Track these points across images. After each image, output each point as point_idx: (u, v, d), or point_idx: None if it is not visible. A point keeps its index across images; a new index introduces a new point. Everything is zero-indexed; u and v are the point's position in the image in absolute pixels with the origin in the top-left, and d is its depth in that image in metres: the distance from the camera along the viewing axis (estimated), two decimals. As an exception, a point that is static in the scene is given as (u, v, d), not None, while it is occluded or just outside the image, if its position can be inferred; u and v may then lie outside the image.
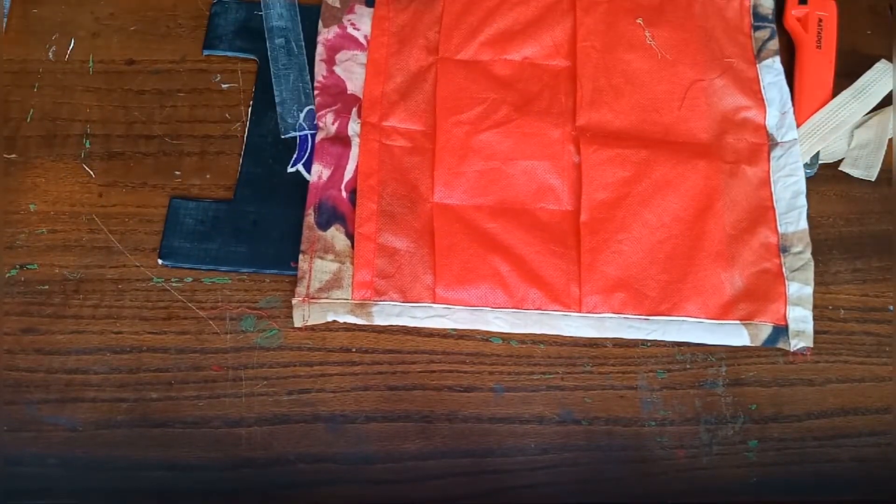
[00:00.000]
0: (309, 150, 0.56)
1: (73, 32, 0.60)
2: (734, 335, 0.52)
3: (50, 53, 0.59)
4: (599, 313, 0.52)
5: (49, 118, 0.57)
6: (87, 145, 0.57)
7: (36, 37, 0.60)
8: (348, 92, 0.58)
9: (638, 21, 0.60)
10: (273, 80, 0.57)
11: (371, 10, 0.60)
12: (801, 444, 0.51)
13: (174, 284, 0.53)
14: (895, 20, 0.63)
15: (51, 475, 0.48)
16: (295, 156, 0.56)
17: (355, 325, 0.52)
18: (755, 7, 0.62)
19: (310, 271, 0.52)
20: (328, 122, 0.57)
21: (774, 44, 0.61)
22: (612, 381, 0.52)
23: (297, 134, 0.56)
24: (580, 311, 0.52)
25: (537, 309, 0.52)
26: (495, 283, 0.52)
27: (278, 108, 0.56)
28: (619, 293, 0.53)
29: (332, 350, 0.52)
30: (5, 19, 0.60)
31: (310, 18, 0.60)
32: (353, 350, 0.52)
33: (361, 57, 0.59)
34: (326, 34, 0.59)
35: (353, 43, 0.59)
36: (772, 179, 0.56)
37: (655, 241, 0.54)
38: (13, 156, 0.56)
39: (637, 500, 0.49)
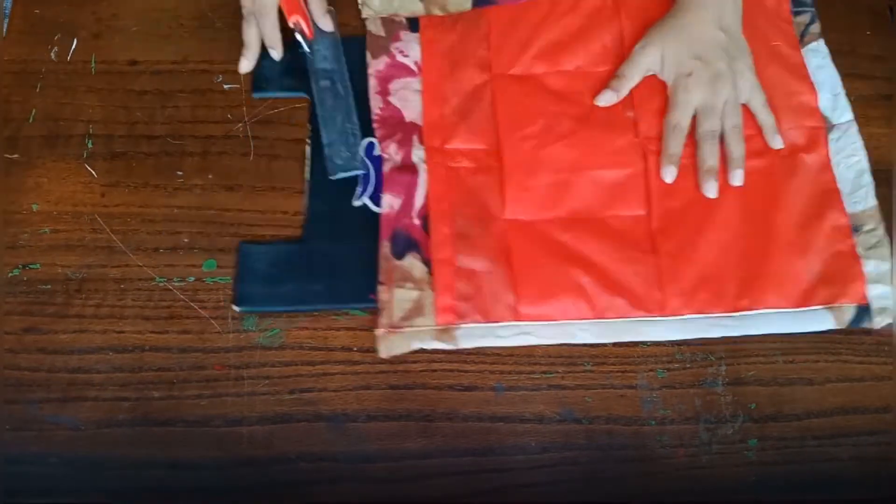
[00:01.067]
0: (373, 182, 0.55)
1: (76, 33, 0.60)
2: (819, 320, 0.52)
3: (52, 54, 0.59)
4: (683, 315, 0.52)
5: (51, 118, 0.57)
6: (90, 145, 0.57)
7: (38, 37, 0.60)
8: (406, 120, 0.57)
9: None
10: (320, 122, 0.57)
11: (416, 34, 0.60)
12: (801, 444, 0.51)
13: (176, 284, 0.53)
14: (895, 20, 0.63)
15: (53, 474, 0.49)
16: (359, 189, 0.55)
17: (356, 324, 0.52)
18: None
19: (391, 301, 0.52)
20: (392, 153, 0.56)
21: (816, 27, 0.61)
22: (613, 380, 0.52)
23: (346, 175, 0.55)
24: (664, 315, 0.52)
25: (621, 317, 0.52)
26: (577, 295, 0.52)
27: (326, 150, 0.55)
28: (700, 293, 0.53)
29: (334, 349, 0.52)
30: (7, 20, 0.60)
31: (354, 49, 0.59)
32: (355, 349, 0.52)
33: (414, 83, 0.59)
34: (376, 65, 0.59)
35: (405, 70, 0.59)
36: (832, 162, 0.57)
37: (728, 239, 0.54)
38: (15, 156, 0.56)
39: (637, 498, 0.49)
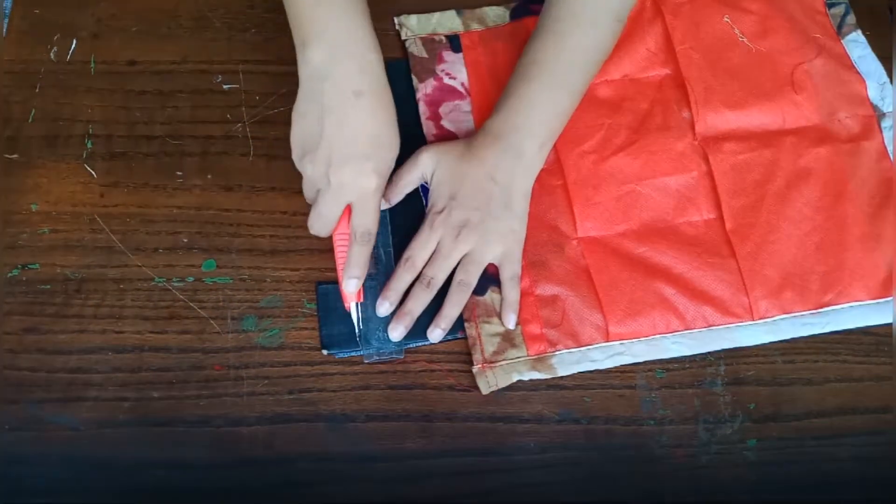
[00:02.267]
0: None
1: (75, 33, 0.60)
2: None
3: (52, 54, 0.59)
4: (772, 317, 0.53)
5: (51, 118, 0.57)
6: (89, 146, 0.57)
7: (37, 37, 0.60)
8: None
9: (725, 20, 0.60)
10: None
11: (460, 55, 0.60)
12: (800, 444, 0.51)
13: (176, 284, 0.53)
14: (895, 20, 0.63)
15: (53, 474, 0.49)
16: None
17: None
18: None
19: (479, 337, 0.52)
20: None
21: (852, 18, 0.62)
22: (612, 380, 0.52)
23: (380, 360, 0.51)
24: (753, 319, 0.52)
25: (710, 325, 0.52)
26: (665, 308, 0.52)
27: (361, 325, 0.51)
28: (785, 293, 0.53)
29: (333, 349, 0.52)
30: (7, 20, 0.60)
31: (399, 73, 0.59)
32: (354, 349, 0.52)
33: (464, 105, 0.58)
34: (424, 89, 0.59)
35: (453, 93, 0.59)
36: (889, 150, 0.57)
37: (803, 235, 0.54)
38: (15, 156, 0.56)
39: (636, 498, 0.50)
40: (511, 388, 0.51)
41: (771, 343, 0.53)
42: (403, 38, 0.61)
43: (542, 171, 0.55)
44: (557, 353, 0.51)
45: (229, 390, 0.51)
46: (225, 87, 0.59)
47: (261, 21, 0.61)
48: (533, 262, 0.53)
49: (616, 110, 0.58)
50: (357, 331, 0.51)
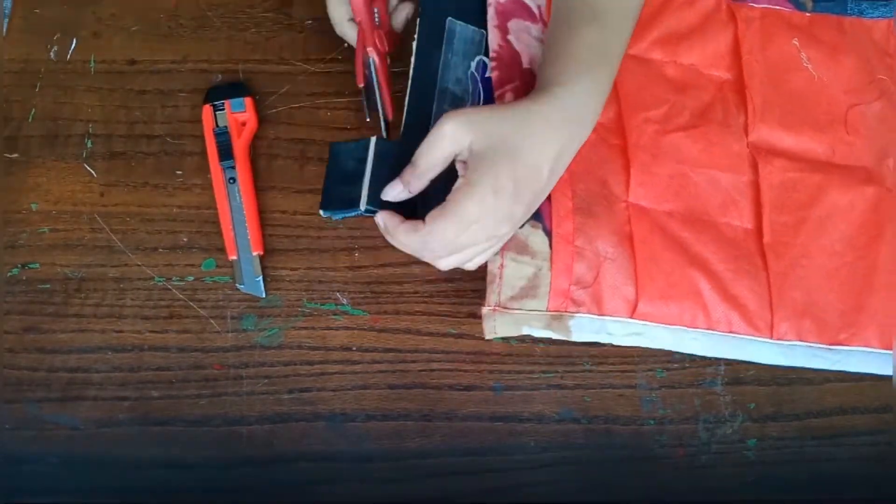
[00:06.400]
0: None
1: (75, 32, 0.60)
2: None
3: (52, 53, 0.59)
4: (789, 341, 0.51)
5: (51, 118, 0.57)
6: (89, 145, 0.57)
7: (38, 37, 0.60)
8: (525, 66, 0.54)
9: (794, 42, 0.58)
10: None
11: None
12: (800, 443, 0.51)
13: (175, 283, 0.53)
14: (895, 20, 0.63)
15: (52, 473, 0.49)
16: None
17: (355, 323, 0.52)
18: None
19: (500, 275, 0.49)
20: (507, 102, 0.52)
21: None
22: (612, 379, 0.52)
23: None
24: (772, 338, 0.51)
25: (731, 332, 0.51)
26: (695, 301, 0.51)
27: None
28: (805, 320, 0.51)
29: (333, 349, 0.52)
30: (7, 19, 0.60)
31: None
32: (354, 349, 0.52)
33: (534, 29, 0.55)
34: None
35: (526, 12, 0.55)
36: None
37: (832, 268, 0.53)
38: (15, 155, 0.56)
39: (636, 498, 0.50)
40: (511, 387, 0.51)
41: (780, 367, 0.52)
42: None
43: (601, 123, 0.51)
44: (578, 315, 0.50)
45: (229, 390, 0.51)
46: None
47: (261, 20, 0.61)
48: (580, 210, 0.51)
49: (681, 91, 0.56)
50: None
